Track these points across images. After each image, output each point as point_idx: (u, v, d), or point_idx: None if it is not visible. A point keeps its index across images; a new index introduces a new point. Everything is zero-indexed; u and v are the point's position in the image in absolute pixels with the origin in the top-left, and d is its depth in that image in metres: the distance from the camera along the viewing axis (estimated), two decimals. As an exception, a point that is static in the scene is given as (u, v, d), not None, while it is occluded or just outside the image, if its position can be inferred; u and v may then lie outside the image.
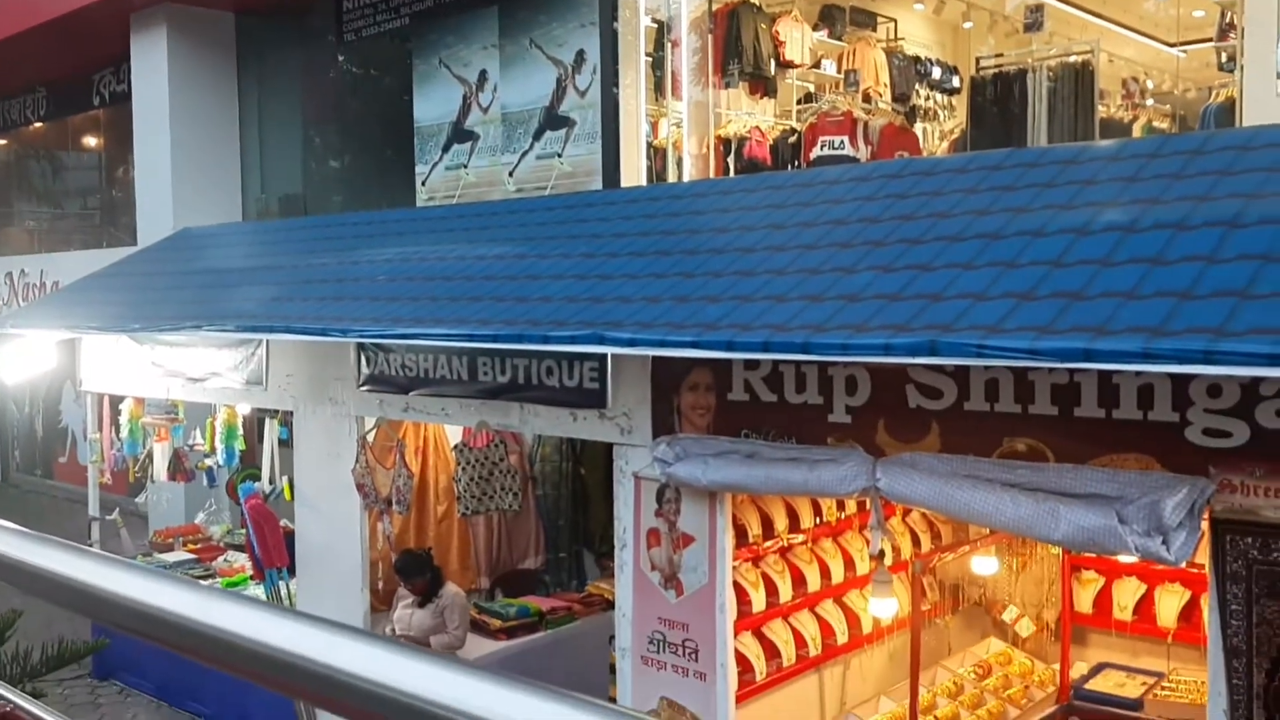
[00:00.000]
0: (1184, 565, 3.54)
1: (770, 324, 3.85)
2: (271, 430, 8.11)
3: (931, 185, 4.60)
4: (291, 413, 6.88)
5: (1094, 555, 5.55)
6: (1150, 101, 11.32)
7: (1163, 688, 5.47)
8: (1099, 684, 5.64)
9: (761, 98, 9.58)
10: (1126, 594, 5.89)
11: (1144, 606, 5.80)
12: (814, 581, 5.36)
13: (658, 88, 8.95)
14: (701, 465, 4.48)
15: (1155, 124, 9.83)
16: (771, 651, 5.16)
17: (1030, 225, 3.88)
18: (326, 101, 10.83)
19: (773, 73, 9.31)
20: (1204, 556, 3.52)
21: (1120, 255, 3.44)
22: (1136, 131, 9.31)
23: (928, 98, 11.39)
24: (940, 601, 6.05)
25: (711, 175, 9.02)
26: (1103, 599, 5.98)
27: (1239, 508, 3.32)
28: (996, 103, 8.01)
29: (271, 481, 8.06)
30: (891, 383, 4.08)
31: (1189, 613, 5.59)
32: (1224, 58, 8.47)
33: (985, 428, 3.85)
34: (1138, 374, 3.47)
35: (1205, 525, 3.40)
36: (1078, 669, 5.81)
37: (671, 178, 8.97)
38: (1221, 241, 3.32)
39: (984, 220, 4.07)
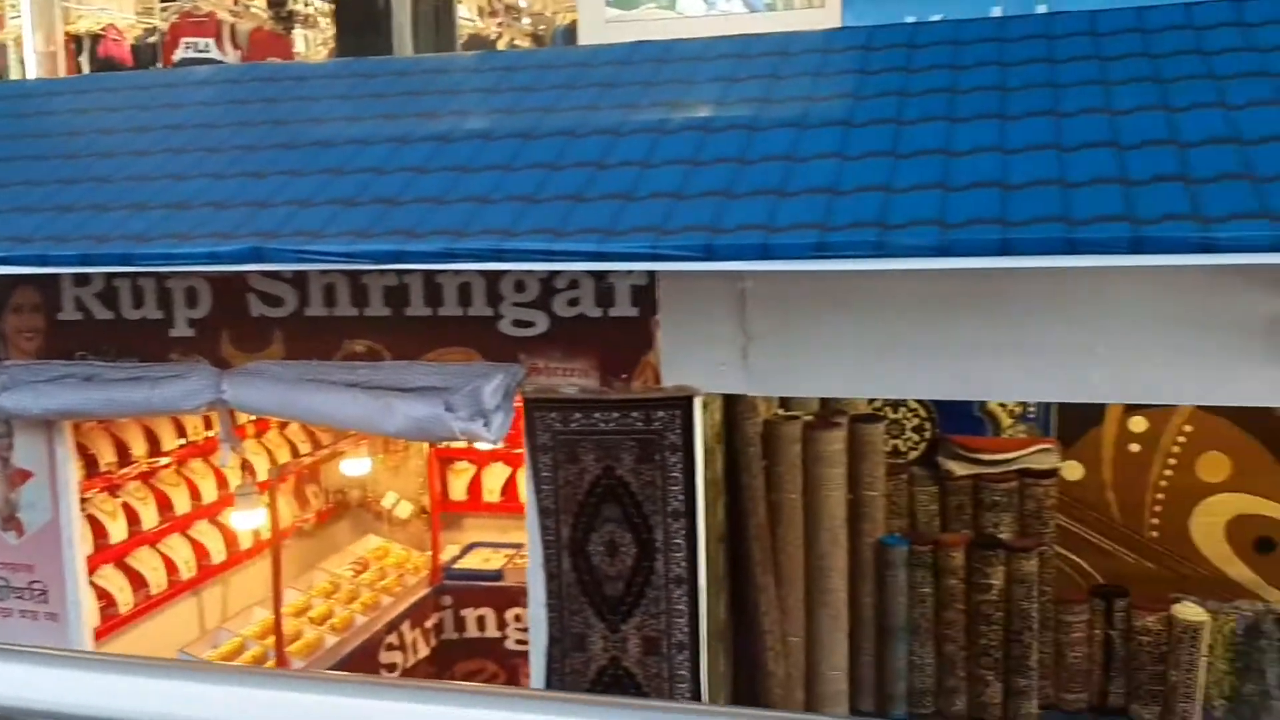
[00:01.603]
0: (502, 444, 3.95)
1: (90, 235, 3.62)
2: None
3: (274, 91, 4.54)
4: None
5: (433, 444, 5.98)
6: (526, 21, 12.05)
7: (520, 556, 6.11)
8: (468, 562, 6.17)
9: (114, -9, 8.77)
10: (494, 479, 6.48)
11: (510, 488, 6.41)
12: (183, 504, 5.20)
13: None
14: (32, 393, 4.11)
15: (517, 42, 10.55)
16: (139, 581, 4.94)
17: (358, 134, 4.01)
18: None
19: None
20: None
21: (433, 164, 3.68)
22: (500, 47, 9.93)
23: (308, 4, 11.15)
24: (325, 507, 6.19)
25: (61, 75, 8.10)
26: (475, 485, 6.51)
27: (544, 387, 3.78)
28: (363, 12, 8.07)
29: None
30: (233, 293, 4.02)
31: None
32: (570, -16, 9.31)
33: (326, 332, 3.96)
34: (457, 274, 3.78)
35: (519, 406, 3.83)
36: (451, 552, 6.29)
37: (15, 76, 7.94)
38: (517, 152, 3.68)
39: (318, 128, 4.13)
